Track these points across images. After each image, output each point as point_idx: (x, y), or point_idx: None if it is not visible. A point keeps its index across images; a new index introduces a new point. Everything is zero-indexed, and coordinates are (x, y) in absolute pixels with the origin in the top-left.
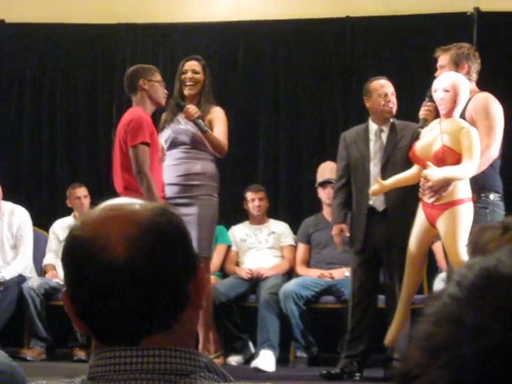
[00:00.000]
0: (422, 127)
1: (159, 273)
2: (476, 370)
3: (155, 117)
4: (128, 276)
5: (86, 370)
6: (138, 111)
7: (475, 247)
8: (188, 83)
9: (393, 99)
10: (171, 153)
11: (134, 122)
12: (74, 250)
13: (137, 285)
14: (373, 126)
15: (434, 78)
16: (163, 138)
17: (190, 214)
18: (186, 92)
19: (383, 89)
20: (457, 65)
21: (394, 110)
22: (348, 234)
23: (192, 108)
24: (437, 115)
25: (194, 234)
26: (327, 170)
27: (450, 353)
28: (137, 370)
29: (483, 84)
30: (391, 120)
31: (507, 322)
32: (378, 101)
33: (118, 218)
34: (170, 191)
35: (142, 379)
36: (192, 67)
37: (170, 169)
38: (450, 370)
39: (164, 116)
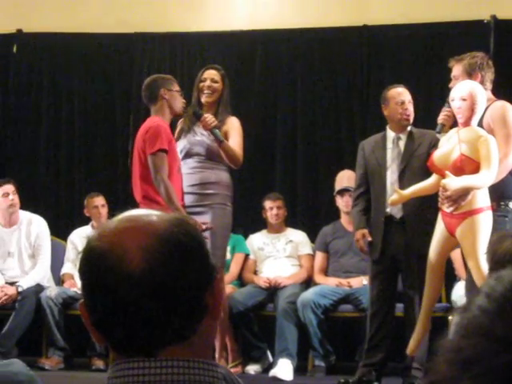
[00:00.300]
0: (439, 132)
1: (177, 284)
2: (506, 381)
3: (172, 126)
4: (146, 287)
5: (104, 380)
6: (157, 120)
7: (494, 255)
8: (206, 91)
9: (410, 107)
10: (186, 162)
11: (153, 129)
12: (91, 261)
13: (154, 296)
14: (390, 134)
15: (449, 89)
16: (178, 147)
17: (204, 223)
18: (204, 100)
19: (400, 97)
20: (470, 75)
21: (412, 118)
22: (370, 239)
23: (210, 117)
24: (455, 123)
25: (208, 242)
26: (345, 178)
27: (480, 365)
28: (155, 382)
29: (500, 92)
30: (409, 128)
31: None
32: (395, 109)
33: (135, 229)
34: (184, 200)
35: None
36: (211, 76)
37: (184, 177)
38: (480, 382)
39: (180, 124)
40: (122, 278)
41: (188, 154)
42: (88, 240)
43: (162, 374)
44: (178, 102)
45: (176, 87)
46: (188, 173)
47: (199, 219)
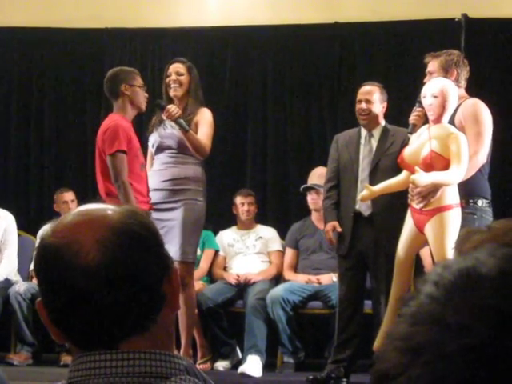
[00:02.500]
0: (410, 132)
1: (134, 274)
2: (458, 368)
3: (139, 121)
4: (103, 279)
5: (64, 375)
6: (115, 118)
7: (461, 251)
8: (172, 85)
9: (363, 106)
10: (158, 157)
11: (110, 130)
12: (46, 258)
13: (112, 287)
14: (363, 131)
15: (423, 83)
16: (150, 142)
17: (174, 219)
18: (172, 94)
19: (359, 95)
20: (446, 71)
21: (366, 117)
22: (340, 230)
23: (173, 108)
24: (426, 121)
25: (178, 238)
26: (315, 176)
27: (430, 352)
28: (117, 374)
29: (470, 90)
30: (382, 124)
31: (490, 320)
32: (356, 107)
33: (88, 223)
34: (156, 197)
35: (122, 383)
36: (176, 69)
37: (157, 174)
38: (431, 368)
39: (153, 120)
40: (79, 271)
41: (160, 148)
42: (42, 236)
43: (123, 367)
44: (140, 97)
45: (138, 81)
46: (159, 169)
47: (170, 215)
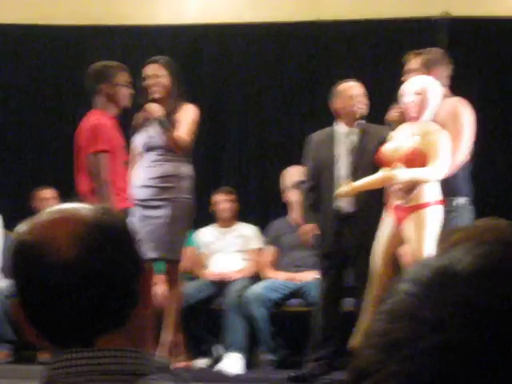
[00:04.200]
0: (391, 129)
1: (108, 269)
2: (434, 364)
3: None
4: (78, 274)
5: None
6: (97, 116)
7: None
8: (154, 89)
9: (363, 100)
10: (147, 155)
11: (92, 128)
12: (22, 255)
13: (87, 282)
14: (341, 128)
15: (402, 82)
16: (136, 141)
17: (162, 217)
18: (154, 96)
19: (352, 90)
20: (428, 69)
21: (364, 111)
22: (317, 232)
23: (153, 106)
24: (405, 118)
25: (165, 236)
26: (296, 172)
27: (407, 348)
28: (94, 372)
29: (452, 88)
30: (360, 122)
31: (466, 317)
32: (347, 102)
33: (63, 220)
34: (143, 193)
35: (100, 380)
36: (153, 71)
37: (145, 171)
38: (407, 364)
39: (136, 119)
40: (54, 266)
41: (147, 148)
42: (18, 234)
43: (100, 364)
44: (123, 96)
45: (121, 77)
46: (148, 166)
47: (157, 212)
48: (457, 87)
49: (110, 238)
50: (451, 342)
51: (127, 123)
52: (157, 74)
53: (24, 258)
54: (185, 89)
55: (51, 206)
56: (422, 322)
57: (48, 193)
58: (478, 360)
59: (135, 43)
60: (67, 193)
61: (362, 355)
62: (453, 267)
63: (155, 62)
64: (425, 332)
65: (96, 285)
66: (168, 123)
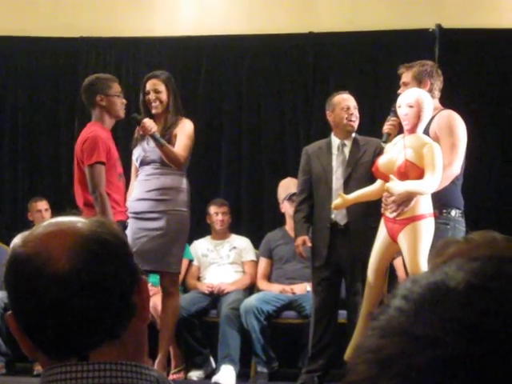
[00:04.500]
0: (385, 142)
1: (104, 281)
2: (427, 380)
3: (115, 130)
4: (73, 286)
5: None
6: (94, 128)
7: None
8: (153, 104)
9: (355, 113)
10: (143, 169)
11: (89, 141)
12: (17, 267)
13: (82, 295)
14: (335, 141)
15: (398, 95)
16: (134, 156)
17: (158, 229)
18: (154, 111)
19: (345, 102)
20: (419, 82)
21: (356, 123)
22: (310, 244)
23: (148, 123)
24: (400, 131)
25: (161, 248)
26: (292, 184)
27: (400, 364)
28: None
29: (444, 101)
30: (353, 135)
31: (459, 333)
32: (340, 114)
33: (58, 232)
34: (140, 206)
35: None
36: (154, 87)
37: (141, 184)
38: (400, 381)
39: (135, 134)
40: (50, 279)
41: (144, 162)
42: (12, 247)
43: (94, 378)
44: (117, 106)
45: (115, 89)
46: (144, 179)
47: (154, 225)
48: (449, 99)
49: (105, 251)
50: (443, 358)
51: (121, 135)
52: (157, 89)
53: (19, 271)
54: (182, 104)
55: (45, 217)
56: (415, 338)
57: (42, 204)
58: (470, 376)
59: (130, 55)
60: (61, 205)
61: (354, 371)
62: (445, 284)
63: (155, 77)
64: (417, 348)
65: (91, 298)
66: (162, 139)
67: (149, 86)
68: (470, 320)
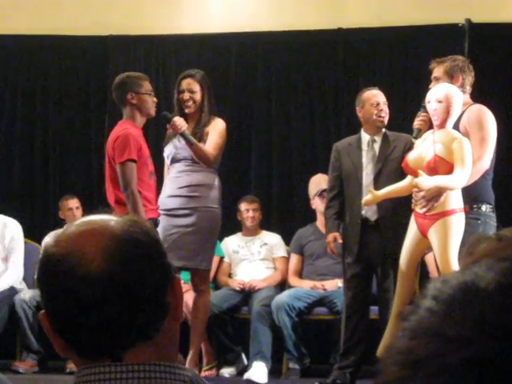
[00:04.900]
0: (415, 137)
1: (137, 282)
2: (459, 381)
3: (146, 128)
4: (107, 287)
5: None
6: (126, 126)
7: (467, 261)
8: (186, 104)
9: (385, 108)
10: (174, 166)
11: (121, 138)
12: (50, 267)
13: (116, 295)
14: (365, 137)
15: (429, 89)
16: (165, 153)
17: (189, 226)
18: (186, 111)
19: (375, 98)
20: (451, 77)
21: (386, 119)
22: (341, 241)
23: (179, 121)
24: (430, 126)
25: (192, 245)
26: (323, 180)
27: (430, 365)
28: None
29: (474, 95)
30: (383, 130)
31: (491, 333)
32: (370, 110)
33: (92, 232)
34: (171, 203)
35: None
36: (188, 86)
37: (173, 181)
38: (431, 381)
39: (168, 131)
40: (83, 279)
41: (175, 159)
42: (45, 247)
43: (128, 379)
44: (148, 104)
45: (145, 87)
46: (176, 176)
47: (185, 221)
48: (479, 94)
49: (139, 251)
50: (476, 358)
51: (152, 133)
52: (191, 89)
53: (51, 271)
54: (216, 103)
55: (76, 216)
56: (446, 339)
57: (73, 203)
58: (503, 376)
59: (158, 53)
60: (92, 202)
61: (385, 372)
62: (475, 284)
63: (190, 76)
64: (449, 349)
65: (125, 298)
66: (192, 138)
67: (184, 85)
68: (502, 320)
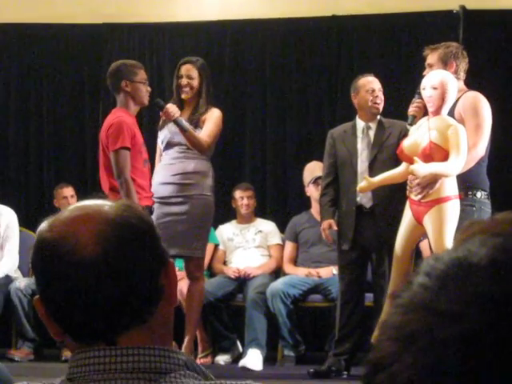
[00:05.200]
0: (410, 124)
1: (132, 266)
2: (451, 355)
3: (139, 116)
4: (101, 271)
5: (65, 370)
6: (120, 114)
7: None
8: (184, 89)
9: (380, 95)
10: (168, 152)
11: (114, 126)
12: (44, 252)
13: (110, 279)
14: (360, 124)
15: (423, 76)
16: (160, 138)
17: (182, 213)
18: (183, 96)
19: (370, 85)
20: (445, 63)
21: (382, 106)
22: (336, 228)
23: (171, 108)
24: (425, 112)
25: (185, 233)
26: (318, 167)
27: (424, 339)
28: (116, 370)
29: (468, 82)
30: (378, 117)
31: (482, 307)
32: (365, 97)
33: (85, 217)
34: (164, 190)
35: (122, 379)
36: (187, 72)
37: (166, 168)
38: (424, 356)
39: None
40: (77, 264)
41: (170, 144)
42: (39, 232)
43: (122, 363)
44: (142, 93)
45: (140, 76)
46: (169, 163)
47: (178, 209)
48: (474, 80)
49: (133, 236)
50: (468, 332)
51: (146, 122)
52: (190, 75)
53: (45, 256)
54: (213, 92)
55: (71, 204)
56: (438, 313)
57: (68, 191)
58: (496, 350)
59: (153, 41)
60: (87, 190)
61: (378, 347)
62: (468, 259)
63: (190, 62)
64: (441, 323)
65: (119, 282)
66: (186, 124)
67: (183, 70)
68: (494, 294)
